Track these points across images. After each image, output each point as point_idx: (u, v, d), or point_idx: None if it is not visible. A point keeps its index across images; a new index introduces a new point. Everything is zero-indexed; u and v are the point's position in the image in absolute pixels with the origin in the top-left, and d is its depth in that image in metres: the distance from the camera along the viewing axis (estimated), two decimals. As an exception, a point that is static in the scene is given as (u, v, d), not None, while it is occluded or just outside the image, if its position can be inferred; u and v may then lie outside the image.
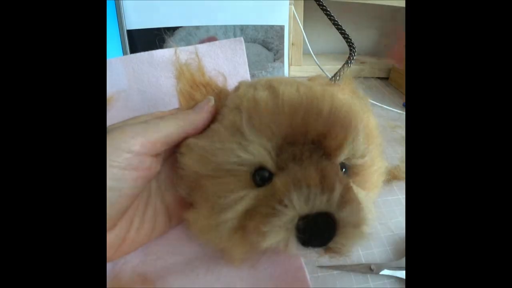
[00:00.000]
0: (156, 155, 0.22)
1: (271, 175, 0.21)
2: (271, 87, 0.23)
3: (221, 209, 0.21)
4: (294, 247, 0.19)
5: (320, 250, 0.19)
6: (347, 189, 0.20)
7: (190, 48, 0.32)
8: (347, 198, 0.19)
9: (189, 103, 0.25)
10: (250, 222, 0.20)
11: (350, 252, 0.20)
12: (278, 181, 0.19)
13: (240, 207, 0.20)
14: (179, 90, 0.25)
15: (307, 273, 0.23)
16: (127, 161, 0.19)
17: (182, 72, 0.25)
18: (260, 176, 0.21)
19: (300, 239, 0.18)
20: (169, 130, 0.22)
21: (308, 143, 0.21)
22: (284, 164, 0.20)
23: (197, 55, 0.26)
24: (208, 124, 0.24)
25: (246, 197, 0.20)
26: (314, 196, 0.18)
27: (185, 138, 0.23)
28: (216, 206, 0.21)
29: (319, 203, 0.18)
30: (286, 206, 0.18)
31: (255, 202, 0.20)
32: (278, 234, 0.18)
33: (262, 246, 0.19)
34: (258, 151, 0.20)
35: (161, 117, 0.22)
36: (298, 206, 0.18)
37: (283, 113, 0.21)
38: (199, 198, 0.22)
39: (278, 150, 0.21)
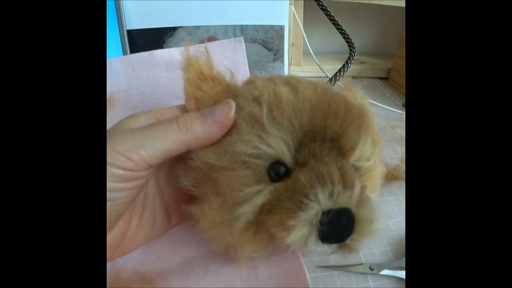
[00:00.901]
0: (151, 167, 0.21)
1: (287, 171, 0.21)
2: (290, 84, 0.23)
3: (236, 203, 0.20)
4: (313, 243, 0.19)
5: (335, 247, 0.20)
6: (363, 188, 0.20)
7: (197, 46, 0.32)
8: (364, 196, 0.20)
9: (196, 93, 0.24)
10: (271, 216, 0.20)
11: (360, 250, 0.20)
12: (302, 176, 0.19)
13: (258, 201, 0.20)
14: (186, 79, 0.24)
15: (307, 273, 0.23)
16: (119, 175, 0.18)
17: (190, 64, 0.24)
18: (275, 171, 0.21)
19: (321, 234, 0.19)
20: (167, 145, 0.19)
21: (327, 141, 0.21)
22: (304, 160, 0.20)
23: (206, 50, 0.26)
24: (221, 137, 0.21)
25: (263, 191, 0.20)
26: (338, 192, 0.19)
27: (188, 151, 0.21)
28: (230, 200, 0.20)
29: (343, 199, 0.19)
30: (311, 200, 0.18)
31: (273, 197, 0.20)
32: (303, 228, 0.18)
33: (285, 241, 0.19)
34: (278, 144, 0.20)
35: (160, 124, 0.20)
36: (322, 201, 0.18)
37: (304, 109, 0.21)
38: (208, 191, 0.21)
39: (298, 146, 0.21)
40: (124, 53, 0.42)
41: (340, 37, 0.48)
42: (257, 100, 0.22)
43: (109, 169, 0.18)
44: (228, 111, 0.21)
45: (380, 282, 0.23)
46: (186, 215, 0.23)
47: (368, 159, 0.23)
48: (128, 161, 0.18)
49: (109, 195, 0.19)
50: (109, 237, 0.21)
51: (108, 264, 0.23)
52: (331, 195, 0.18)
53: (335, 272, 0.24)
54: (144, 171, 0.20)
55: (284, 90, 0.22)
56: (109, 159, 0.18)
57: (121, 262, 0.23)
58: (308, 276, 0.23)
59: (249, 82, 0.25)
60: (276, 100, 0.21)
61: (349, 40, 0.47)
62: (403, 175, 0.33)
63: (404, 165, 0.33)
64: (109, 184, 0.18)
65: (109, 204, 0.19)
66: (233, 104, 0.21)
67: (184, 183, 0.22)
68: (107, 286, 0.21)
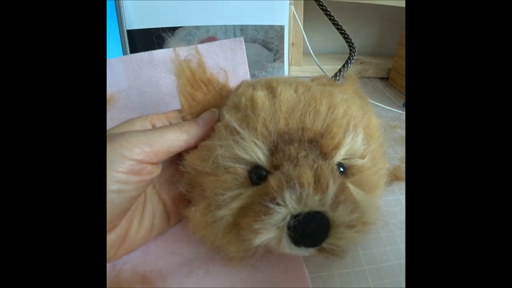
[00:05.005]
0: (157, 162, 0.23)
1: (267, 174, 0.21)
2: (270, 87, 0.23)
3: (217, 206, 0.21)
4: (287, 246, 0.19)
5: (313, 250, 0.19)
6: (342, 189, 0.20)
7: (191, 47, 0.32)
8: (342, 198, 0.19)
9: (191, 104, 0.25)
10: (243, 219, 0.20)
11: (345, 254, 0.20)
12: (272, 180, 0.19)
13: (235, 204, 0.20)
14: (180, 90, 0.25)
15: (307, 273, 0.23)
16: (130, 167, 0.20)
17: (182, 69, 0.25)
18: (257, 175, 0.21)
19: (292, 238, 0.18)
20: (172, 142, 0.22)
21: (305, 142, 0.21)
22: (280, 163, 0.20)
23: (197, 52, 0.26)
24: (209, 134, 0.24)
25: (242, 195, 0.21)
26: (307, 195, 0.18)
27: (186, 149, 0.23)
28: (213, 203, 0.21)
29: (312, 203, 0.18)
30: (278, 204, 0.18)
31: (250, 200, 0.20)
32: (270, 232, 0.18)
33: (253, 243, 0.19)
34: (252, 149, 0.20)
35: (166, 127, 0.23)
36: (290, 204, 0.18)
37: (280, 112, 0.21)
38: (197, 195, 0.22)
39: (274, 149, 0.21)
40: (124, 53, 0.42)
41: (340, 37, 0.48)
42: (236, 107, 0.22)
43: (122, 161, 0.20)
44: (212, 116, 0.25)
45: (380, 282, 0.23)
46: (183, 216, 0.23)
47: (362, 157, 0.23)
48: (141, 152, 0.21)
49: (117, 186, 0.20)
50: (113, 235, 0.22)
51: (108, 264, 0.23)
52: (299, 199, 0.18)
53: (335, 272, 0.24)
54: (151, 166, 0.22)
55: (260, 95, 0.22)
56: (124, 151, 0.20)
57: (121, 262, 0.23)
58: (308, 276, 0.23)
59: (237, 88, 0.26)
60: (252, 106, 0.21)
61: (349, 40, 0.47)
62: (403, 175, 0.32)
63: (404, 165, 0.33)
64: (118, 175, 0.20)
65: (116, 197, 0.20)
66: (216, 111, 0.25)
67: (180, 188, 0.23)
68: (107, 286, 0.21)
